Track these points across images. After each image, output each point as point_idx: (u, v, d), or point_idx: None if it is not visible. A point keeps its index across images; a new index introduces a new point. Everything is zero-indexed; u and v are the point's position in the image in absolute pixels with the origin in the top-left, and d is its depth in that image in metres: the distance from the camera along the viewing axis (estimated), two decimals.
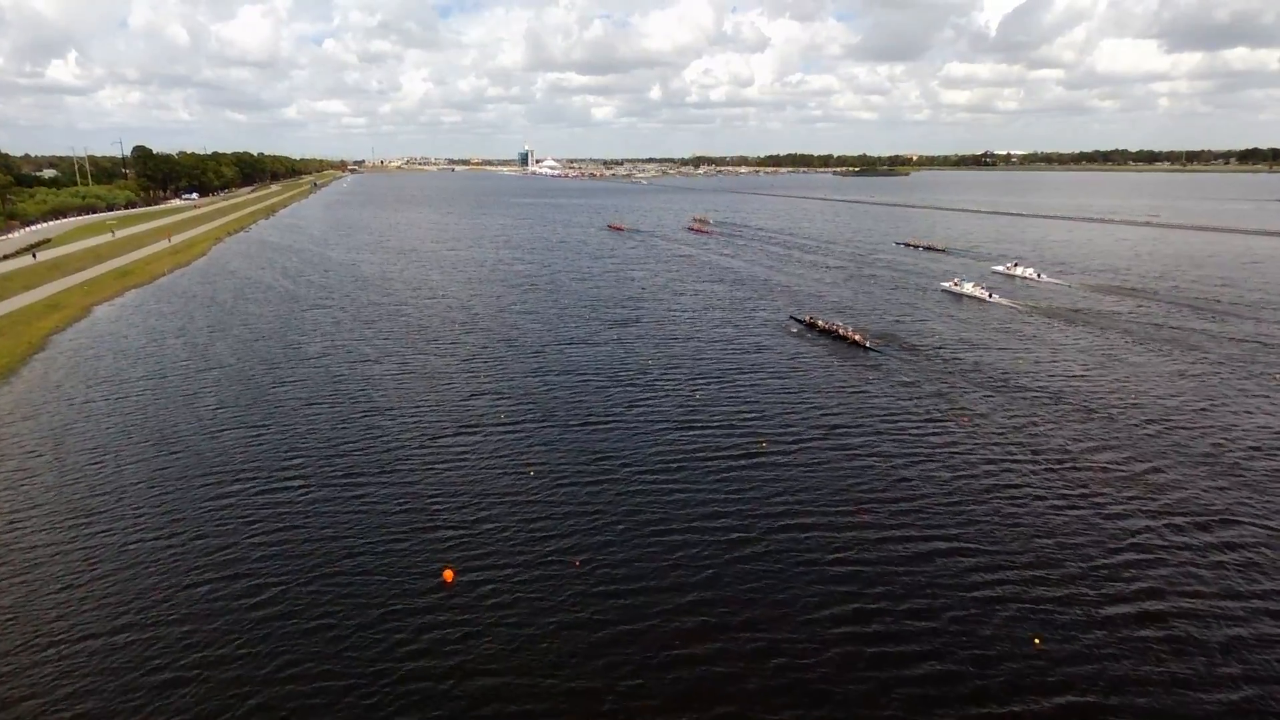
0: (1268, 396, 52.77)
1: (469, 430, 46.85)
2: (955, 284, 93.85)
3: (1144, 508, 36.76)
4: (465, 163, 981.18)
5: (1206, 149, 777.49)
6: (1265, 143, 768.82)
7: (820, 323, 72.42)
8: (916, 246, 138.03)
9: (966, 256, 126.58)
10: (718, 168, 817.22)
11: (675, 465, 41.42)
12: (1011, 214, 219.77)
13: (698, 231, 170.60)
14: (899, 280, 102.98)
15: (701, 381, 55.42)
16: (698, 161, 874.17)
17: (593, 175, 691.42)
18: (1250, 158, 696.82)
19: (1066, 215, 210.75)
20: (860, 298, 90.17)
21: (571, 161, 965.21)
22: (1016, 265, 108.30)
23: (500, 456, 42.93)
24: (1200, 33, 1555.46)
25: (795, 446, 43.86)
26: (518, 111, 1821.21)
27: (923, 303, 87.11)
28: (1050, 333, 71.77)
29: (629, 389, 53.83)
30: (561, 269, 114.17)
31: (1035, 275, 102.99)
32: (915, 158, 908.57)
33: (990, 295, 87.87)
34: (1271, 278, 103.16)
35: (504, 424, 47.83)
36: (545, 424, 47.49)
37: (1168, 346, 65.90)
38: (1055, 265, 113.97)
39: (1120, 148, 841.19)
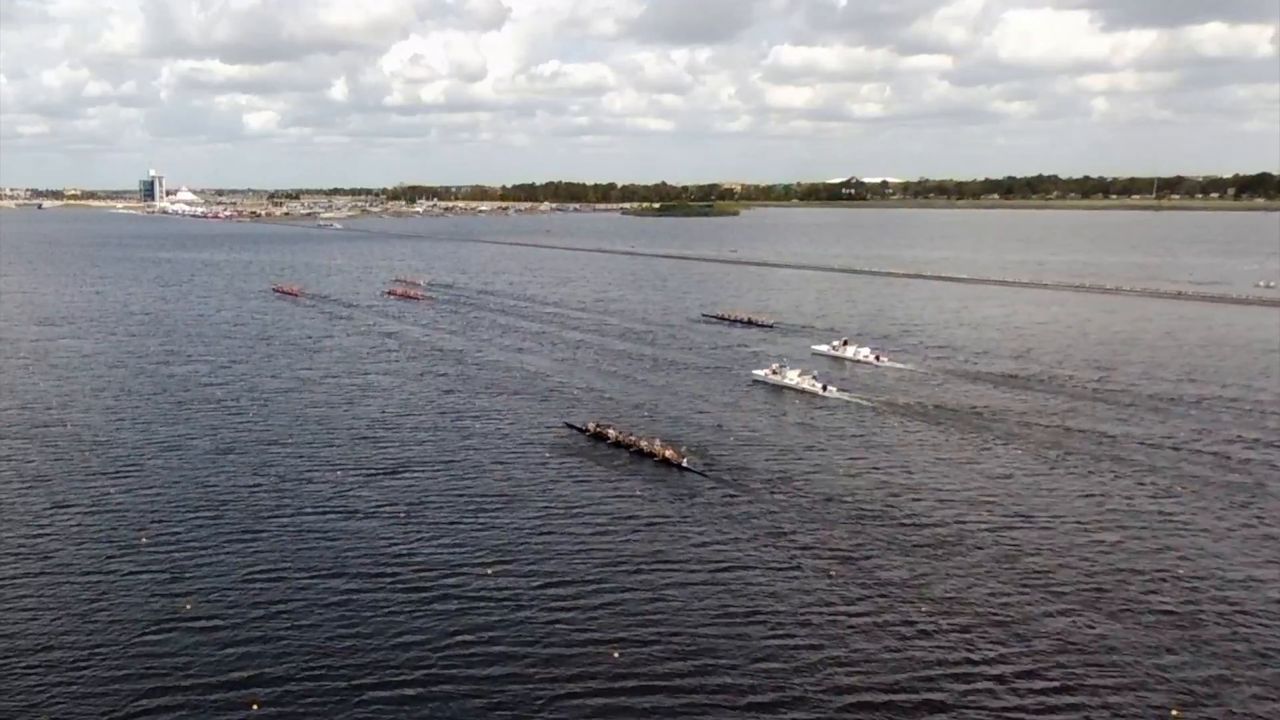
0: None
1: None
2: (774, 372, 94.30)
3: None
4: (58, 195, 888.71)
5: (1180, 175, 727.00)
6: (1255, 164, 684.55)
7: (611, 432, 71.72)
8: (732, 320, 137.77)
9: (800, 333, 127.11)
10: (442, 203, 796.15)
11: None
12: (891, 274, 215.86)
13: (403, 297, 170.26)
14: (704, 367, 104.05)
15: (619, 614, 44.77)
16: (414, 194, 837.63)
17: (255, 215, 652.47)
18: (1256, 187, 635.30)
19: (981, 277, 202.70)
20: (654, 395, 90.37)
21: (220, 194, 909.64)
22: (846, 344, 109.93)
23: None
24: (1153, 0, 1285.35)
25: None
26: (134, 119, 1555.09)
27: (736, 399, 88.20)
28: (912, 438, 74.42)
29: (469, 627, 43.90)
30: (255, 370, 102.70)
31: (873, 357, 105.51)
32: (739, 188, 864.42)
33: (825, 388, 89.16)
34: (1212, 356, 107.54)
35: None
36: None
37: (1067, 457, 69.21)
38: (900, 343, 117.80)
39: (1048, 172, 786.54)
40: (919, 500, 59.47)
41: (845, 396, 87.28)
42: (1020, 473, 65.45)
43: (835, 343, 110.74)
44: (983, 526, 54.91)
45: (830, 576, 47.87)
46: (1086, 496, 60.19)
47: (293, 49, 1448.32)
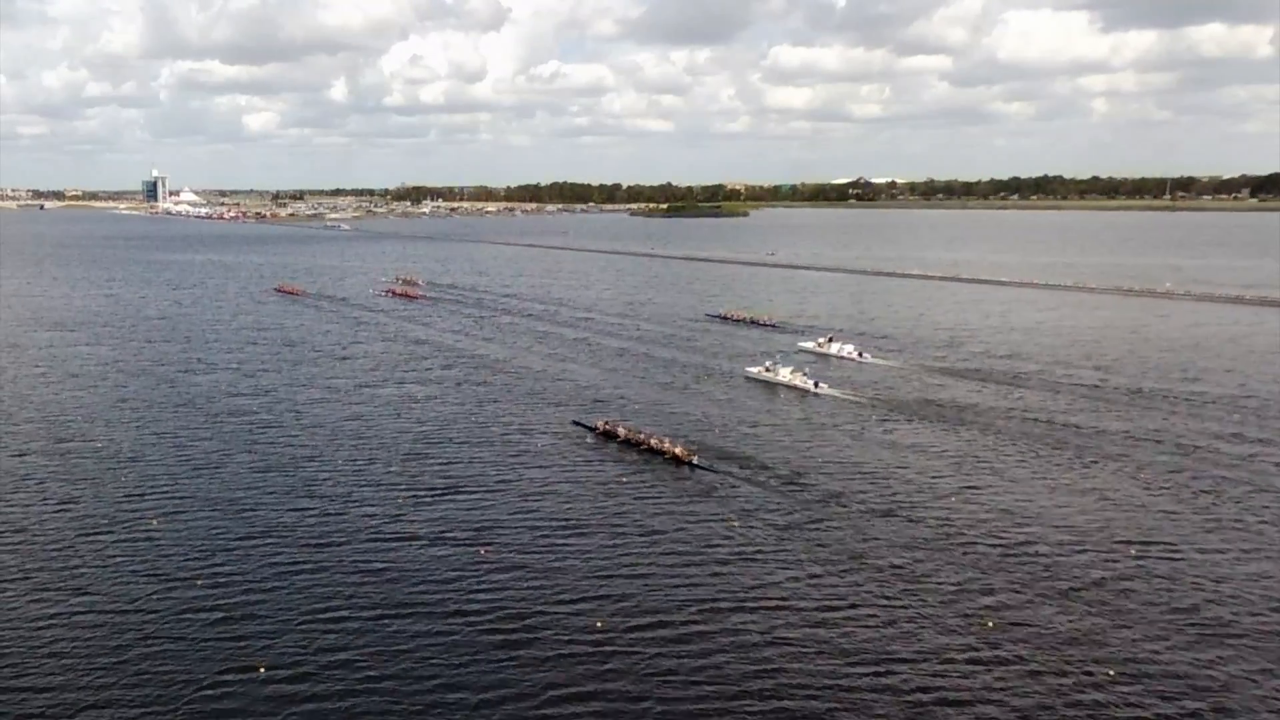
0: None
1: None
2: (768, 369, 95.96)
3: None
4: (59, 195, 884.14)
5: (1181, 176, 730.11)
6: (1254, 165, 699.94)
7: (622, 431, 72.77)
8: (738, 320, 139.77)
9: (800, 333, 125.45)
10: (448, 204, 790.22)
11: None
12: (928, 277, 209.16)
13: (403, 296, 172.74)
14: (709, 366, 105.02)
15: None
16: (419, 195, 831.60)
17: (260, 216, 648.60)
18: (1269, 188, 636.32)
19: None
20: (662, 394, 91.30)
21: (223, 195, 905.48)
22: (831, 341, 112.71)
23: None
24: (1153, 1, 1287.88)
25: None
26: (134, 119, 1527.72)
27: (731, 396, 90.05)
28: (908, 435, 75.49)
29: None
30: (284, 380, 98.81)
31: (855, 354, 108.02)
32: (744, 188, 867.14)
33: (816, 385, 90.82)
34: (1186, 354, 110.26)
35: None
36: None
37: (1062, 452, 70.31)
38: (883, 341, 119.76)
39: (1050, 173, 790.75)
40: (971, 509, 55.82)
41: (837, 393, 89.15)
42: (1034, 475, 63.51)
43: (820, 339, 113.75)
44: (1002, 532, 51.41)
45: (973, 627, 43.35)
46: (1213, 524, 55.70)
47: (292, 50, 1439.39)
